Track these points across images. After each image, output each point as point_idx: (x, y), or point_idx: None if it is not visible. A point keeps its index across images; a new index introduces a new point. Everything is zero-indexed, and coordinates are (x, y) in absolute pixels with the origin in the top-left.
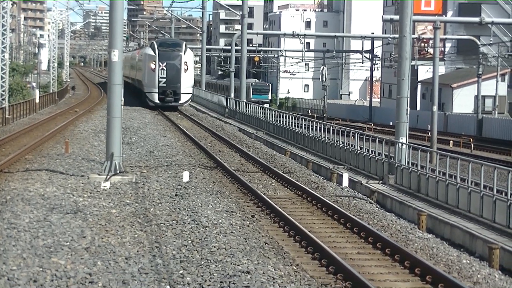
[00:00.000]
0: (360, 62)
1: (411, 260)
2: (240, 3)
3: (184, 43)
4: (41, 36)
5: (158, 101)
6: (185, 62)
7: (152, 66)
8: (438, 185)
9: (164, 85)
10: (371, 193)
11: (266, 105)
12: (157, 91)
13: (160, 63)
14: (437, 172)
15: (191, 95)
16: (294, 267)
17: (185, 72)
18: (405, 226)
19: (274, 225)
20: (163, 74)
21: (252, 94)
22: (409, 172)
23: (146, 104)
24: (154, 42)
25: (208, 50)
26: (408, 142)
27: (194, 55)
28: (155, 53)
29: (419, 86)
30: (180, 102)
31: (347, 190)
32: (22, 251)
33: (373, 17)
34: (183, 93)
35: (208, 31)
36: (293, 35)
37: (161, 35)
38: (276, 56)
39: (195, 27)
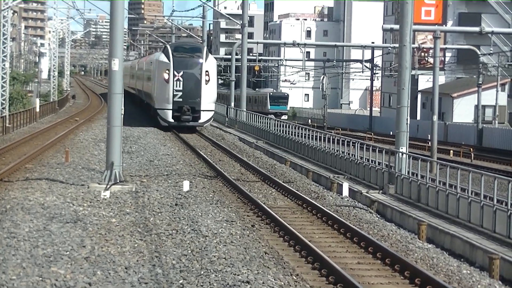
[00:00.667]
0: (360, 72)
1: (411, 270)
2: (240, 12)
3: (205, 47)
4: (42, 45)
5: (172, 120)
6: (206, 71)
7: (166, 76)
8: (438, 195)
9: (180, 100)
10: (371, 202)
11: (284, 117)
12: (171, 108)
13: (176, 73)
14: (437, 181)
15: (213, 112)
16: (294, 277)
17: (206, 84)
18: (405, 236)
19: (274, 234)
20: (179, 87)
21: (270, 105)
22: (409, 182)
23: (157, 123)
24: (168, 46)
25: None
26: (408, 152)
27: None
28: (168, 59)
29: (419, 96)
30: (200, 121)
31: (347, 200)
32: (22, 260)
33: (373, 27)
34: (203, 110)
35: (208, 40)
36: (294, 44)
37: (161, 44)
38: (276, 65)
39: (195, 36)
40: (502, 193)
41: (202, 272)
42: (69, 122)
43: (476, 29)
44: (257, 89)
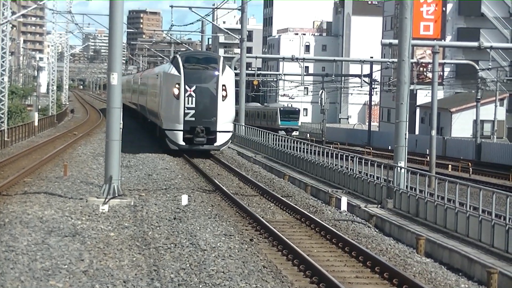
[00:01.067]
0: (359, 86)
1: (409, 284)
2: (239, 27)
3: (221, 57)
4: (41, 59)
5: (183, 143)
6: (223, 85)
7: (175, 91)
8: (437, 209)
9: (193, 119)
10: (369, 217)
11: (296, 133)
12: (182, 129)
13: (187, 87)
14: (436, 196)
15: (231, 134)
16: None
17: (223, 100)
18: (403, 250)
19: (272, 248)
20: (192, 104)
21: (280, 121)
22: (408, 196)
23: (166, 146)
24: (178, 56)
25: None
26: (407, 166)
27: None
28: (179, 72)
29: (417, 110)
30: (215, 144)
31: (346, 214)
32: (20, 274)
33: (372, 41)
34: (220, 132)
35: None
36: (292, 59)
37: (161, 58)
38: (275, 80)
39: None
40: (500, 207)
41: (200, 286)
42: (68, 136)
43: (475, 44)
44: (265, 103)
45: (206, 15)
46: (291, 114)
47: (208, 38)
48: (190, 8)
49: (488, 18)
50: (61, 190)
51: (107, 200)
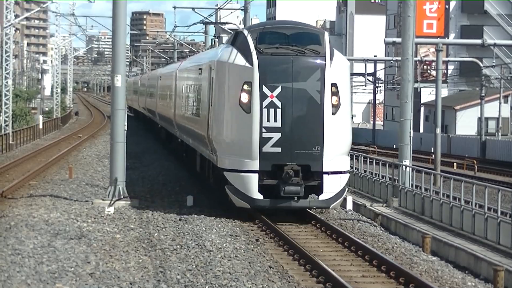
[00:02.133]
0: (363, 85)
1: (416, 283)
2: (242, 27)
3: (326, 34)
4: (44, 61)
5: (260, 197)
6: (333, 85)
7: (243, 97)
8: (442, 208)
9: (278, 150)
10: (375, 216)
11: None
12: (257, 169)
13: (266, 89)
14: (441, 194)
15: (347, 176)
16: None
17: (333, 113)
18: (409, 248)
19: (278, 248)
20: (275, 121)
21: None
22: (413, 195)
23: (225, 199)
24: (245, 32)
25: None
26: (412, 165)
27: None
28: (249, 61)
29: (422, 109)
30: (322, 198)
31: (351, 213)
32: (27, 277)
33: (376, 40)
34: (329, 173)
35: None
36: None
37: (164, 60)
38: None
39: (197, 51)
40: (506, 205)
41: (207, 287)
42: (73, 138)
43: (478, 41)
44: None
45: (209, 15)
46: None
47: (212, 39)
48: (193, 9)
49: (491, 15)
50: (67, 192)
51: (112, 202)
